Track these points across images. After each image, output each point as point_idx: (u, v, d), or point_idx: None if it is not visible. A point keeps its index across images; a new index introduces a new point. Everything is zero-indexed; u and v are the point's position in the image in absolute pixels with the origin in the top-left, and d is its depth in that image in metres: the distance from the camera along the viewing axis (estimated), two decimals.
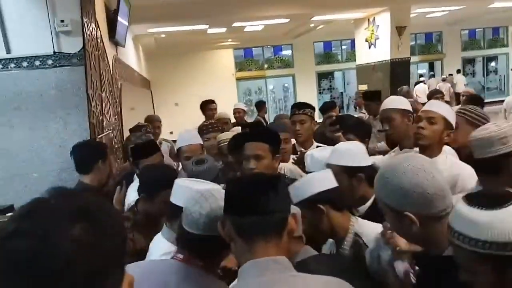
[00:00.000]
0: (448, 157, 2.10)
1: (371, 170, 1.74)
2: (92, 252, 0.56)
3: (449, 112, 2.16)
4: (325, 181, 1.59)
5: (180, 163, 2.93)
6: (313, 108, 2.89)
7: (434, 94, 5.32)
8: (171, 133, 9.77)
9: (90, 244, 0.56)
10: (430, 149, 2.06)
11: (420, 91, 12.70)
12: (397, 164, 1.22)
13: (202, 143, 2.81)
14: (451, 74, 14.27)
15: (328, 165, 1.83)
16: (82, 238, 0.55)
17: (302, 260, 1.38)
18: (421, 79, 14.16)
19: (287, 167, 2.39)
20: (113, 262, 0.60)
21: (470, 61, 17.31)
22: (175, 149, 2.92)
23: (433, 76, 15.70)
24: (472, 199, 0.98)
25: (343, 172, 1.79)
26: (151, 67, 12.45)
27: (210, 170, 2.18)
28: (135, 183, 2.56)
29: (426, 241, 1.21)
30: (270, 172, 2.10)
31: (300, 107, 2.87)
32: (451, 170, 2.00)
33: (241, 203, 1.07)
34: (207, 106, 5.01)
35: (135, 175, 2.60)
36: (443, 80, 13.72)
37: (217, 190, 1.33)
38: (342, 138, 2.32)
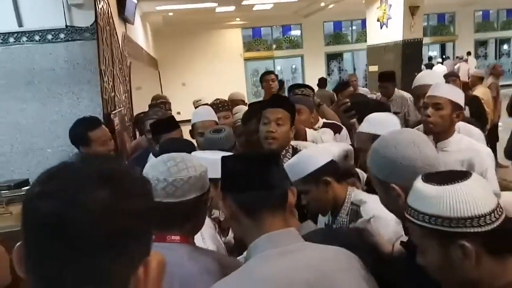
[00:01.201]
0: (463, 138, 2.06)
1: None
2: (115, 213, 0.56)
3: (454, 93, 2.10)
4: (324, 155, 1.66)
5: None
6: (312, 89, 3.06)
7: (449, 77, 5.11)
8: (178, 113, 9.73)
9: (113, 206, 0.56)
10: (443, 134, 2.03)
11: (440, 72, 12.65)
12: (390, 136, 1.25)
13: (216, 120, 2.77)
14: (461, 57, 14.03)
15: (359, 133, 1.87)
16: (105, 200, 0.56)
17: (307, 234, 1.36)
18: (435, 61, 14.00)
19: (302, 144, 2.36)
20: (137, 224, 0.60)
21: (483, 43, 16.98)
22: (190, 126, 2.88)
23: (444, 58, 15.48)
24: (428, 176, 0.98)
25: (370, 140, 1.76)
26: (158, 46, 12.35)
27: (228, 138, 2.17)
28: (151, 160, 2.55)
29: None
30: (286, 141, 2.11)
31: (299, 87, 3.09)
32: (466, 152, 1.97)
33: (244, 179, 1.07)
34: (264, 77, 4.32)
35: (150, 154, 2.58)
36: (464, 60, 13.54)
37: (187, 156, 1.24)
38: (357, 125, 2.26)
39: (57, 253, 0.55)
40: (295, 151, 2.17)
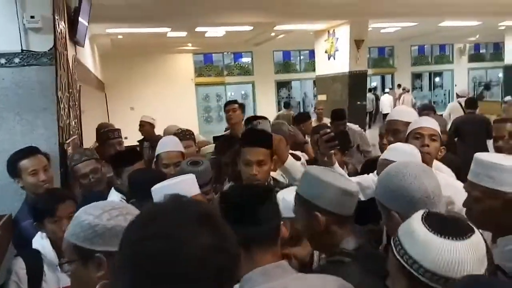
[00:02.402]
0: (440, 175, 2.04)
1: None
2: (218, 252, 0.60)
3: (439, 127, 2.19)
4: None
5: None
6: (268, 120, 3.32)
7: (424, 110, 4.48)
8: (125, 138, 9.40)
9: (215, 245, 0.60)
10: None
11: (385, 101, 13.56)
12: (396, 167, 1.33)
13: (183, 151, 2.71)
14: (405, 89, 14.99)
15: (384, 160, 1.88)
16: (208, 240, 0.59)
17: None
18: (381, 92, 15.04)
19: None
20: (233, 262, 0.63)
21: (418, 76, 18.28)
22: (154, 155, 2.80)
23: (384, 89, 16.47)
24: (429, 218, 0.96)
25: None
26: (106, 69, 12.00)
27: (206, 171, 2.12)
28: (112, 196, 2.44)
29: None
30: (268, 176, 2.11)
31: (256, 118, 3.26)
32: (444, 189, 2.00)
33: (237, 215, 1.11)
34: (225, 107, 3.96)
35: (111, 189, 2.47)
36: (406, 91, 14.48)
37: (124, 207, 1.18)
38: (336, 157, 2.22)
39: (170, 285, 0.57)
40: (276, 181, 2.18)
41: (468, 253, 0.87)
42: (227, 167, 2.40)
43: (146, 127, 5.43)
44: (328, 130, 2.10)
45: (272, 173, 2.30)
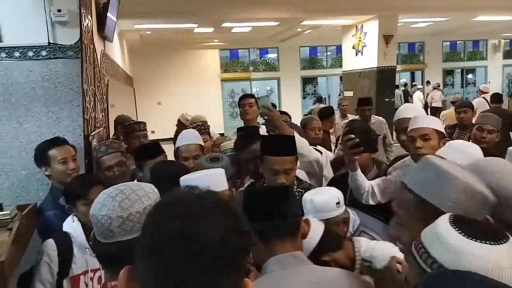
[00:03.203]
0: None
1: None
2: (234, 234, 0.64)
3: (436, 122, 2.17)
4: None
5: None
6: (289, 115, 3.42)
7: (462, 107, 4.42)
8: (152, 132, 9.58)
9: (231, 228, 0.64)
10: None
11: (416, 97, 13.29)
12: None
13: (202, 144, 2.71)
14: (437, 85, 14.62)
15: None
16: (226, 223, 0.64)
17: None
18: (414, 88, 14.72)
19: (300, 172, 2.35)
20: (247, 244, 0.67)
21: (450, 73, 17.73)
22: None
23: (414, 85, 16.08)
24: (459, 221, 0.86)
25: None
26: (134, 64, 12.21)
27: (227, 168, 2.11)
28: None
29: None
30: (294, 179, 2.07)
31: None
32: None
33: (259, 210, 1.22)
34: (240, 102, 3.66)
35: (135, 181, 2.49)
36: (435, 87, 14.16)
37: (135, 185, 1.12)
38: (356, 163, 2.15)
39: (183, 270, 0.60)
40: (298, 180, 2.15)
41: (506, 258, 0.78)
42: (248, 164, 2.37)
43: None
44: (353, 136, 2.05)
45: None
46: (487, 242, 0.79)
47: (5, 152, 2.68)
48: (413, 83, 15.82)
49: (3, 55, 2.67)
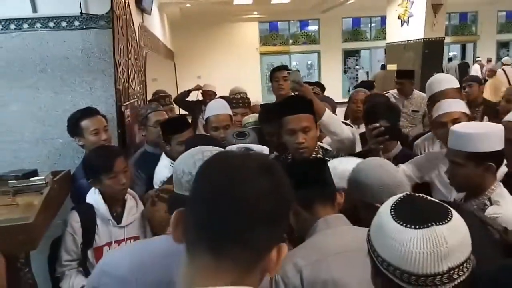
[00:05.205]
0: None
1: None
2: (274, 195, 0.68)
3: (462, 105, 2.11)
4: (499, 142, 1.58)
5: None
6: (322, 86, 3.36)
7: (467, 81, 4.32)
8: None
9: (272, 190, 0.68)
10: None
11: (474, 71, 12.43)
12: (363, 165, 1.56)
13: (231, 114, 2.67)
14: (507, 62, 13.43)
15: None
16: (267, 185, 0.68)
17: None
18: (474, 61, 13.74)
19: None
20: (287, 208, 0.73)
21: (505, 45, 16.53)
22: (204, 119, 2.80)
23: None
24: (399, 209, 0.84)
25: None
26: (175, 38, 12.29)
27: (253, 144, 2.07)
28: (163, 161, 2.48)
29: None
30: (315, 144, 2.02)
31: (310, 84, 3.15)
32: None
33: (302, 179, 1.34)
34: (273, 75, 3.44)
35: (162, 154, 2.51)
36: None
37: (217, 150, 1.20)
38: (380, 153, 2.10)
39: (219, 217, 0.66)
40: (325, 150, 2.08)
41: (415, 243, 0.77)
42: (272, 137, 2.32)
43: (212, 96, 5.59)
44: (377, 125, 2.00)
45: (320, 143, 2.20)
46: (408, 226, 0.79)
47: (43, 121, 2.77)
48: (477, 58, 14.62)
49: (38, 25, 2.73)
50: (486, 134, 1.55)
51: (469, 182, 1.62)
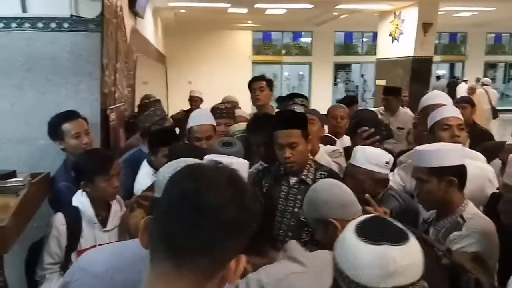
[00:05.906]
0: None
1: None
2: (237, 206, 0.69)
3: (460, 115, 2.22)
4: (459, 157, 1.68)
5: None
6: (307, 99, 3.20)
7: (460, 103, 3.99)
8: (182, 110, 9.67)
9: (236, 200, 0.70)
10: None
11: (461, 89, 12.32)
12: (319, 184, 1.63)
13: (214, 124, 2.67)
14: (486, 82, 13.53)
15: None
16: (230, 196, 0.69)
17: None
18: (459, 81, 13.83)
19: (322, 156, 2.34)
20: (249, 220, 0.73)
21: (492, 66, 16.87)
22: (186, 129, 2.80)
23: (455, 78, 15.32)
24: (363, 227, 0.88)
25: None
26: (168, 42, 12.29)
27: (238, 153, 2.08)
28: (145, 169, 2.48)
29: None
30: (305, 157, 2.03)
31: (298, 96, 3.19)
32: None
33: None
34: (250, 85, 3.37)
35: (144, 162, 2.51)
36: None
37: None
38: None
39: (189, 224, 0.68)
40: (318, 165, 2.09)
41: (370, 260, 0.81)
42: (259, 147, 2.33)
43: (198, 102, 5.65)
44: (367, 128, 2.09)
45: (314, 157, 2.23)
46: (364, 240, 0.84)
47: (25, 121, 2.74)
48: (464, 79, 14.78)
49: (27, 25, 2.71)
50: (445, 150, 1.67)
51: (435, 197, 1.68)
